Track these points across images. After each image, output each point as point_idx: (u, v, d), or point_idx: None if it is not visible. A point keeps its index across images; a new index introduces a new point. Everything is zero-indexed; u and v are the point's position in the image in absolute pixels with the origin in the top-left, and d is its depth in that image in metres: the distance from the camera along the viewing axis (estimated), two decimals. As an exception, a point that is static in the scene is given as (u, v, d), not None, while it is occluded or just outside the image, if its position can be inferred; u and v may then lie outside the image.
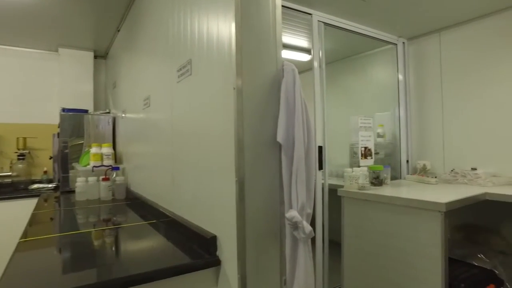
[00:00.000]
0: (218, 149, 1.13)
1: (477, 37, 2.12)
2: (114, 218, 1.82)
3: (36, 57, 3.35)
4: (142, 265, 1.08)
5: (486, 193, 1.68)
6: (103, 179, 2.34)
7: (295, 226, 1.01)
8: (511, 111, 1.96)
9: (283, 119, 1.06)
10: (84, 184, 2.31)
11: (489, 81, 2.06)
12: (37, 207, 2.14)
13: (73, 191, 2.39)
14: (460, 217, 2.07)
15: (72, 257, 1.20)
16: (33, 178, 3.20)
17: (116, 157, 2.84)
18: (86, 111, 3.05)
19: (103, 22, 2.76)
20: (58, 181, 2.90)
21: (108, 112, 3.22)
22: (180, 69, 1.44)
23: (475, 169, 2.04)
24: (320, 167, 1.89)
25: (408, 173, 2.43)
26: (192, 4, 1.35)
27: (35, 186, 2.98)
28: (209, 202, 1.20)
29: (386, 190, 1.83)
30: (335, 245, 1.96)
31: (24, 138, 3.18)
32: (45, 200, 2.42)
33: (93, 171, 2.42)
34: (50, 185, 3.02)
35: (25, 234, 1.45)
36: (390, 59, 2.53)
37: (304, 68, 2.10)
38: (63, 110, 2.87)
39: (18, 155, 3.13)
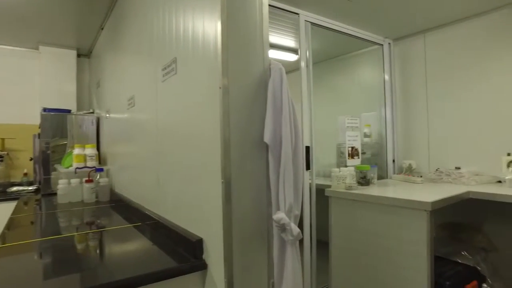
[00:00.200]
0: (204, 150, 1.10)
1: (460, 38, 2.16)
2: (98, 221, 1.77)
3: (16, 55, 3.23)
4: (127, 269, 1.05)
5: (469, 192, 1.71)
6: (87, 181, 2.28)
7: (283, 228, 1.00)
8: (494, 111, 2.00)
9: (270, 118, 1.04)
10: (67, 186, 2.25)
11: (472, 81, 2.11)
12: (15, 211, 2.06)
13: (55, 194, 2.31)
14: (444, 216, 2.11)
15: (54, 263, 1.15)
16: (12, 180, 3.09)
17: (100, 158, 2.78)
18: (69, 111, 2.97)
19: (85, 20, 2.69)
20: (39, 183, 2.81)
21: (92, 112, 3.14)
22: (165, 68, 1.41)
23: (459, 168, 2.08)
24: (308, 167, 1.89)
25: (394, 173, 2.46)
26: (177, 2, 1.32)
27: (15, 188, 2.88)
28: (195, 203, 1.18)
29: (373, 190, 1.85)
30: (322, 245, 1.96)
31: (2, 139, 3.07)
32: (25, 203, 2.34)
33: (76, 172, 2.36)
34: (30, 188, 2.92)
35: (2, 239, 1.39)
36: (376, 59, 2.56)
37: (291, 68, 2.10)
38: (44, 110, 2.80)
39: (-4, 157, 3.02)
